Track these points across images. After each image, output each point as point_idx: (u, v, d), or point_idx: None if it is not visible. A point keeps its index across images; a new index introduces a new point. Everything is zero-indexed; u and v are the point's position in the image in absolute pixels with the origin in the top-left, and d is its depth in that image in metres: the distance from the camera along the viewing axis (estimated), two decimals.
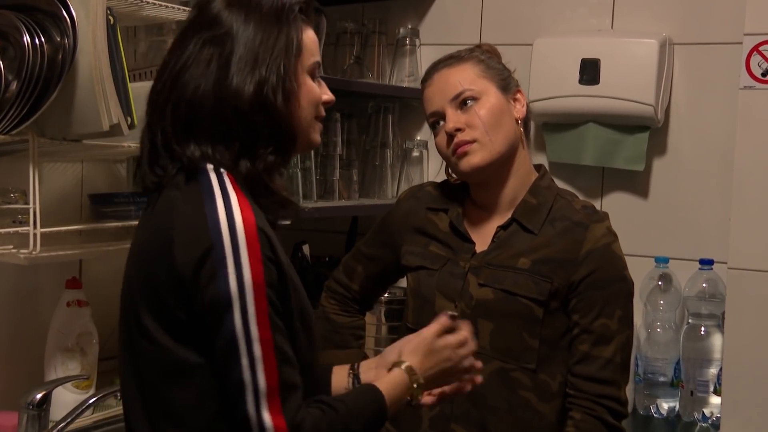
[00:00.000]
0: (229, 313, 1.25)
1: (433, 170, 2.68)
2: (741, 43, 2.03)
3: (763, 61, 2.00)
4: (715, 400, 2.21)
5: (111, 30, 1.76)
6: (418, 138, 2.71)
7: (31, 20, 1.67)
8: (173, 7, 1.96)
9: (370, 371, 1.54)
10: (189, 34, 1.37)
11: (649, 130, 2.39)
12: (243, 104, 1.33)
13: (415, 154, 2.68)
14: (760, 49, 2.00)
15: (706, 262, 2.28)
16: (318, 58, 1.43)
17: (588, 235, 1.77)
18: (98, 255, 2.05)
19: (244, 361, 1.25)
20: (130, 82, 1.84)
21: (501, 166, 1.81)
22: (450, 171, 1.90)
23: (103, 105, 1.71)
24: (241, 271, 1.25)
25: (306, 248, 2.64)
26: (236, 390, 1.25)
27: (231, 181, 1.32)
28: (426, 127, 2.70)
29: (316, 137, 1.45)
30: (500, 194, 1.84)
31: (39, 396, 1.80)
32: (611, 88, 2.36)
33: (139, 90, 1.86)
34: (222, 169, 1.33)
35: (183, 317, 1.29)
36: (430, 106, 1.85)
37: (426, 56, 2.69)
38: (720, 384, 2.14)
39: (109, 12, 1.76)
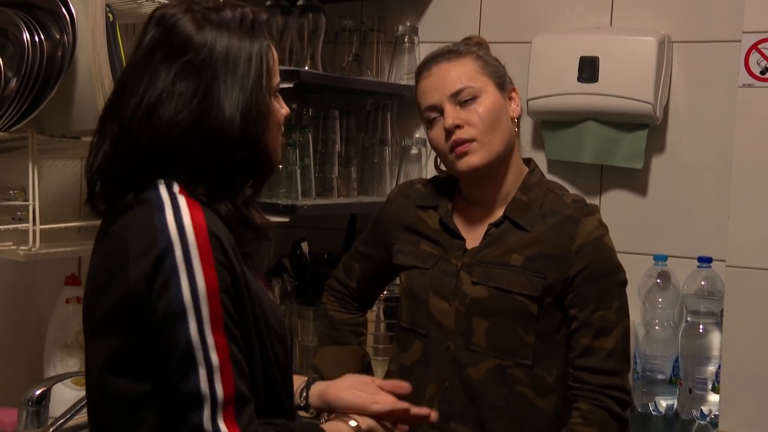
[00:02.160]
0: (183, 323, 1.21)
1: (432, 167, 2.67)
2: (740, 41, 2.03)
3: (762, 59, 2.00)
4: (714, 397, 2.21)
5: (110, 27, 1.77)
6: (417, 135, 2.71)
7: (30, 17, 1.67)
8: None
9: (321, 385, 1.59)
10: (157, 58, 1.29)
11: (648, 127, 2.39)
12: (230, 138, 1.28)
13: (414, 151, 2.68)
14: (759, 47, 2.00)
15: (705, 260, 2.28)
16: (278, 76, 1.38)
17: (579, 229, 1.77)
18: None
19: (202, 372, 1.21)
20: None
21: (497, 164, 1.81)
22: (441, 165, 1.89)
23: (103, 102, 1.70)
24: (194, 279, 1.21)
25: (305, 245, 2.64)
26: (191, 403, 1.21)
27: (181, 190, 1.27)
28: None
29: (279, 157, 1.41)
30: (493, 191, 1.84)
31: (38, 393, 1.80)
32: (610, 85, 2.36)
33: None
34: (173, 182, 1.28)
35: (137, 340, 1.24)
36: (426, 100, 1.82)
37: (425, 54, 2.67)
38: (718, 381, 2.14)
39: (108, 9, 1.76)
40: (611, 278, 1.78)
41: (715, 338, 2.23)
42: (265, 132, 1.32)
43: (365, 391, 1.54)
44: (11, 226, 1.78)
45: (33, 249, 1.74)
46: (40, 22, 1.68)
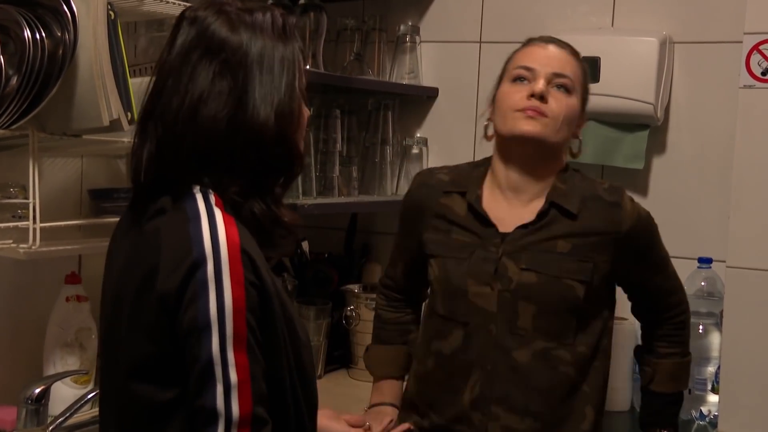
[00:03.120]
0: (206, 338, 1.20)
1: (434, 163, 2.68)
2: (741, 42, 2.02)
3: (763, 60, 1.99)
4: (713, 398, 2.21)
5: (112, 25, 1.76)
6: (418, 135, 2.71)
7: (31, 15, 1.67)
8: (174, 3, 1.96)
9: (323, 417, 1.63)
10: (195, 57, 1.31)
11: (649, 128, 2.39)
12: (265, 136, 1.30)
13: (415, 151, 2.68)
14: (761, 48, 2.00)
15: (705, 261, 2.28)
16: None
17: (623, 214, 1.86)
18: (98, 250, 2.03)
19: (219, 388, 1.20)
20: (130, 77, 1.84)
21: (545, 152, 1.87)
22: (489, 130, 1.93)
23: (104, 100, 1.71)
24: (222, 295, 1.21)
25: (305, 245, 2.64)
26: (206, 419, 1.20)
27: (217, 201, 1.29)
28: (425, 124, 2.72)
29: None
30: (530, 180, 1.88)
31: (38, 391, 1.80)
32: (611, 86, 2.36)
33: (140, 85, 1.86)
34: (209, 190, 1.30)
35: (166, 349, 1.24)
36: (528, 60, 1.88)
37: (426, 53, 2.69)
38: (718, 382, 2.14)
39: (110, 7, 1.76)
40: (657, 250, 1.94)
41: (715, 339, 2.23)
42: (296, 131, 1.35)
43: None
44: (11, 224, 1.77)
45: (33, 247, 1.74)
46: (42, 20, 1.67)
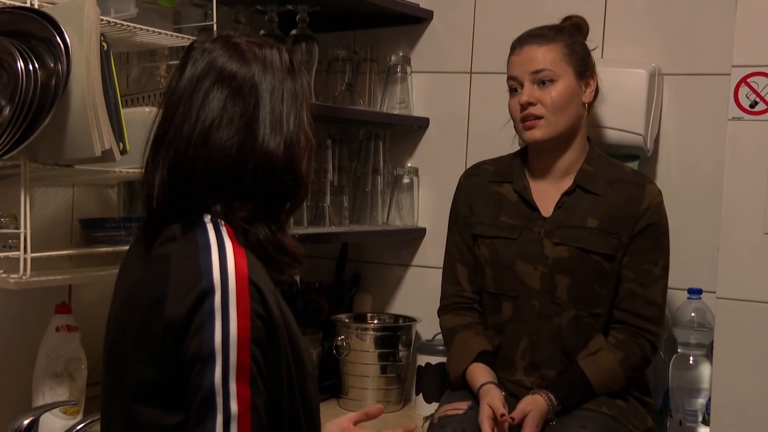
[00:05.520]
0: (210, 367, 1.21)
1: (424, 196, 2.69)
2: (729, 74, 2.04)
3: (751, 92, 2.01)
4: (704, 430, 2.21)
5: (104, 56, 1.77)
6: (409, 165, 2.72)
7: (25, 46, 1.67)
8: (166, 34, 1.97)
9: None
10: (206, 85, 1.34)
11: (639, 159, 2.40)
12: (275, 164, 1.33)
13: (406, 180, 2.68)
14: (748, 80, 2.01)
15: (695, 291, 2.28)
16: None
17: (645, 193, 2.09)
18: (88, 280, 2.04)
19: (219, 418, 1.20)
20: (122, 107, 1.84)
21: (561, 140, 2.11)
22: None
23: (96, 130, 1.71)
24: (228, 326, 1.22)
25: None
26: None
27: (228, 232, 1.30)
28: (416, 154, 2.73)
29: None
30: (557, 163, 2.13)
31: (26, 422, 1.79)
32: (601, 117, 2.37)
33: (132, 116, 1.87)
34: (220, 220, 1.32)
35: (171, 374, 1.25)
36: (511, 71, 2.13)
37: (417, 84, 2.71)
38: (709, 414, 2.13)
39: (102, 38, 1.76)
40: (662, 240, 2.10)
41: (706, 370, 2.23)
42: (302, 160, 1.39)
43: None
44: (2, 254, 1.77)
45: (24, 277, 1.73)
46: (35, 51, 1.67)
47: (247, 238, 1.33)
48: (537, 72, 2.08)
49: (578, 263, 2.05)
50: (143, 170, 1.38)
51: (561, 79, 2.08)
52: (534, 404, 1.94)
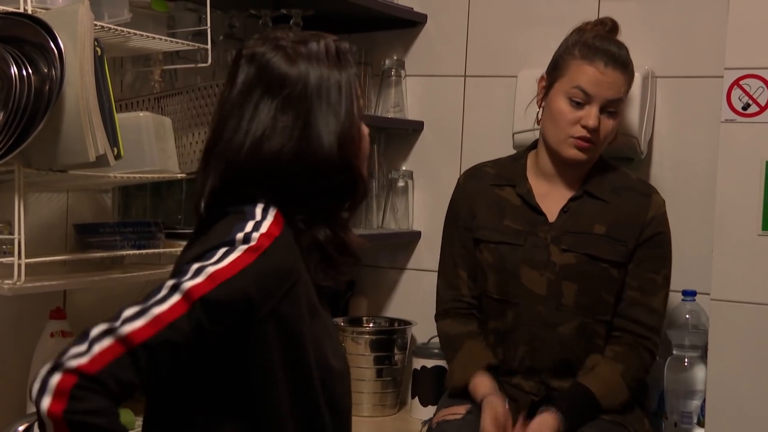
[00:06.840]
0: (175, 277, 1.24)
1: (419, 200, 2.69)
2: (722, 76, 2.05)
3: (744, 94, 2.02)
4: (699, 431, 2.21)
5: (98, 61, 1.77)
6: (404, 168, 2.72)
7: (18, 52, 1.67)
8: (160, 39, 1.97)
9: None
10: (256, 94, 1.35)
11: (633, 161, 2.40)
12: (329, 165, 1.33)
13: (401, 184, 2.69)
14: (741, 83, 2.02)
15: (689, 294, 2.29)
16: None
17: (651, 202, 2.08)
18: (83, 285, 2.04)
19: (136, 308, 1.22)
20: (116, 112, 1.84)
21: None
22: (543, 130, 2.09)
23: (90, 136, 1.70)
24: (216, 262, 1.25)
25: None
26: (112, 318, 1.23)
27: (276, 214, 1.32)
28: (411, 158, 2.73)
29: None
30: (570, 172, 2.09)
31: (21, 428, 1.78)
32: None
33: (126, 121, 1.87)
34: (271, 206, 1.33)
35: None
36: (585, 83, 2.01)
37: (411, 87, 2.71)
38: (703, 416, 2.14)
39: (96, 43, 1.76)
40: (666, 250, 2.10)
41: (700, 372, 2.24)
42: (357, 156, 1.38)
43: None
44: None
45: (18, 283, 1.73)
46: (28, 57, 1.67)
47: (305, 240, 1.34)
48: (612, 101, 2.03)
49: (586, 270, 2.03)
50: (195, 178, 1.41)
51: (620, 114, 2.09)
52: (545, 426, 1.91)
